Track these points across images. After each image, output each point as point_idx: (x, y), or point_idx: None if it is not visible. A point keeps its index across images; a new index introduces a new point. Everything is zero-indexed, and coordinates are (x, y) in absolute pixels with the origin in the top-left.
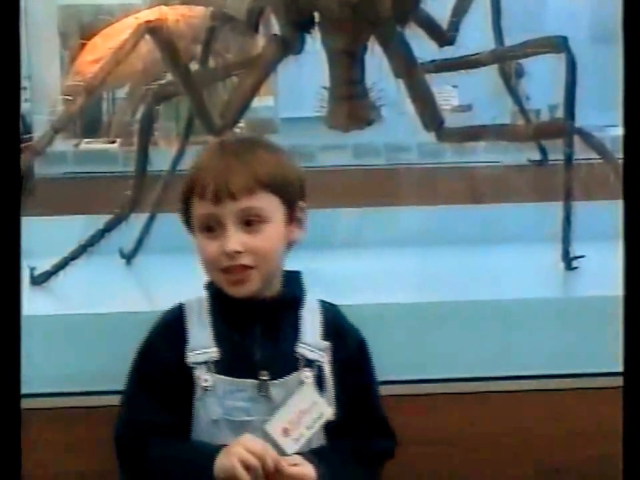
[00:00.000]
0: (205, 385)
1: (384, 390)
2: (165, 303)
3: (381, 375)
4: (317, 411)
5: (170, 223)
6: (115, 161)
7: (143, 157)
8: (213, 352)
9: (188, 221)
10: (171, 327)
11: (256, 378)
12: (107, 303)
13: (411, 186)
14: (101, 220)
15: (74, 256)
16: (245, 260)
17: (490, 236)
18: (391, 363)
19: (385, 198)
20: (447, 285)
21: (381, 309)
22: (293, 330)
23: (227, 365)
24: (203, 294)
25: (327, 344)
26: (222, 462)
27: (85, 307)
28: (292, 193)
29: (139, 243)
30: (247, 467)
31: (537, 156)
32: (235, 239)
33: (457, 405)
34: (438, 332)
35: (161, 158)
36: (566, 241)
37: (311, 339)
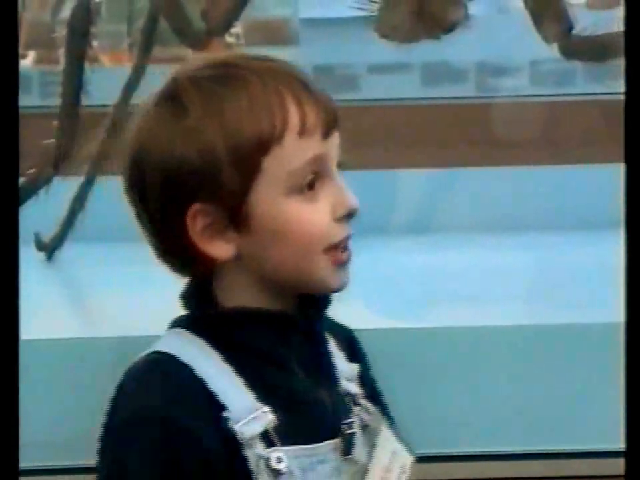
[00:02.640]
0: (278, 467)
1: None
2: (114, 327)
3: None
4: (399, 463)
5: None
6: (28, 88)
7: (75, 82)
8: (265, 413)
9: (246, 186)
10: (189, 393)
11: (336, 435)
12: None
13: (519, 132)
14: None
15: None
16: (350, 228)
17: None
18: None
19: (475, 152)
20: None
21: (472, 334)
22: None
23: (293, 428)
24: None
25: (355, 367)
26: None
27: None
28: None
29: (67, 225)
30: None
31: None
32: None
33: None
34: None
35: (104, 83)
36: None
37: (342, 365)
